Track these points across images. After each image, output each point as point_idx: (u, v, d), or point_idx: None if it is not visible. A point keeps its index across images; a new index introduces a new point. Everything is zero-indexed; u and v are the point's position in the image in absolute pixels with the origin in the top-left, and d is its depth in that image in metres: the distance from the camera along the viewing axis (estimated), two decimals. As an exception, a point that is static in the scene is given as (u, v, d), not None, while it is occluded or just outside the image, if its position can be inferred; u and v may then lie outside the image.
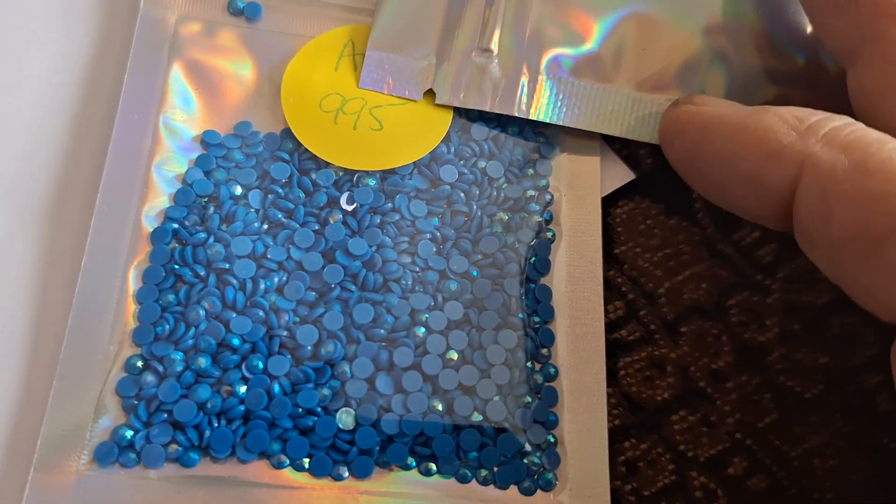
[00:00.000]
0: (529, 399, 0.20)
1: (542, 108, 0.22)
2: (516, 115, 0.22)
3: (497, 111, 0.22)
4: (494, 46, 0.23)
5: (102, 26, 0.23)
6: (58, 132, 0.22)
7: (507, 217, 0.22)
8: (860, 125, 0.17)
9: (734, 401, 0.22)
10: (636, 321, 0.22)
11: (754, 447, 0.21)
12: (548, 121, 0.22)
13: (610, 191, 0.24)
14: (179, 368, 0.19)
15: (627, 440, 0.21)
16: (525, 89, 0.22)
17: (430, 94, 0.23)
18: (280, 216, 0.21)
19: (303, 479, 0.19)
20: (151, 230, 0.20)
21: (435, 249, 0.21)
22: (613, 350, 0.22)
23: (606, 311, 0.22)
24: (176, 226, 0.20)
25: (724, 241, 0.23)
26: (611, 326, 0.22)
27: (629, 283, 0.23)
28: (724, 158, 0.19)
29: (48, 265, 0.20)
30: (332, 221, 0.21)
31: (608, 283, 0.23)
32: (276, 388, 0.19)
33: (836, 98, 0.20)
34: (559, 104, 0.22)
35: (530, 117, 0.22)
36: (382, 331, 0.20)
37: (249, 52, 0.23)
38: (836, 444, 0.21)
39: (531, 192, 0.23)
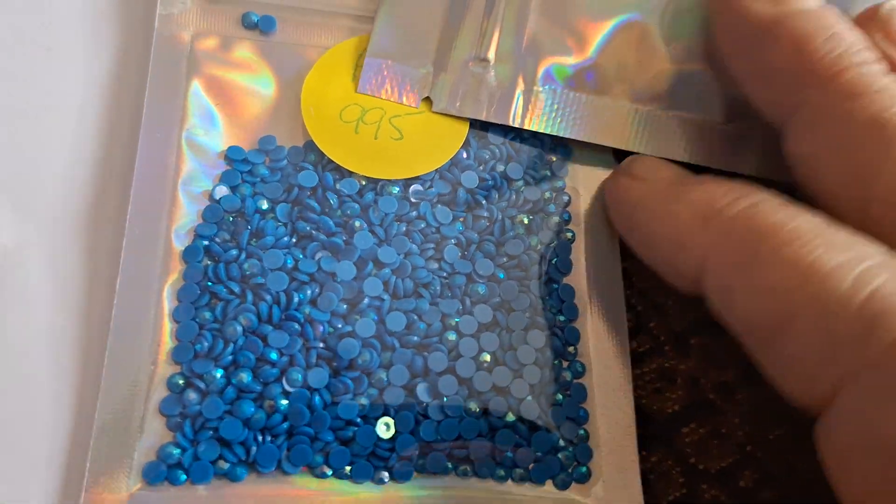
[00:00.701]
0: (560, 396, 0.21)
1: (536, 118, 0.23)
2: (511, 125, 0.23)
3: (492, 120, 0.23)
4: (492, 56, 0.23)
5: (121, 46, 0.23)
6: (83, 156, 0.22)
7: (528, 219, 0.22)
8: (768, 204, 0.17)
9: (744, 413, 0.22)
10: (645, 332, 0.23)
11: (765, 459, 0.22)
12: (543, 131, 0.23)
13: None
14: (221, 384, 0.19)
15: (639, 452, 0.21)
16: (520, 100, 0.23)
17: (428, 101, 0.23)
18: (308, 228, 0.21)
19: (346, 486, 0.19)
20: (182, 249, 0.21)
21: (460, 254, 0.22)
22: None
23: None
24: (207, 243, 0.21)
25: None
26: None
27: (637, 295, 0.23)
28: (645, 242, 0.20)
29: (83, 290, 0.21)
30: (357, 230, 0.21)
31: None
32: (317, 400, 0.19)
33: None
34: (554, 115, 0.23)
35: (525, 127, 0.23)
36: (416, 337, 0.20)
37: (266, 65, 0.23)
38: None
39: (549, 194, 0.23)
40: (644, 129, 0.23)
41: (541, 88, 0.23)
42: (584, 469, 0.20)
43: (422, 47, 0.23)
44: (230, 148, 0.22)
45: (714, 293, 0.18)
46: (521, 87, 0.23)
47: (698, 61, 0.23)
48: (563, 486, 0.20)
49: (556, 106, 0.23)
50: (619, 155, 0.24)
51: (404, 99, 0.23)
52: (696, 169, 0.22)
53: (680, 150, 0.23)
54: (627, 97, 0.23)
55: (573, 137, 0.23)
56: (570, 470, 0.20)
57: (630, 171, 0.21)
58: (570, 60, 0.23)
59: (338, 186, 0.22)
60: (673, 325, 0.23)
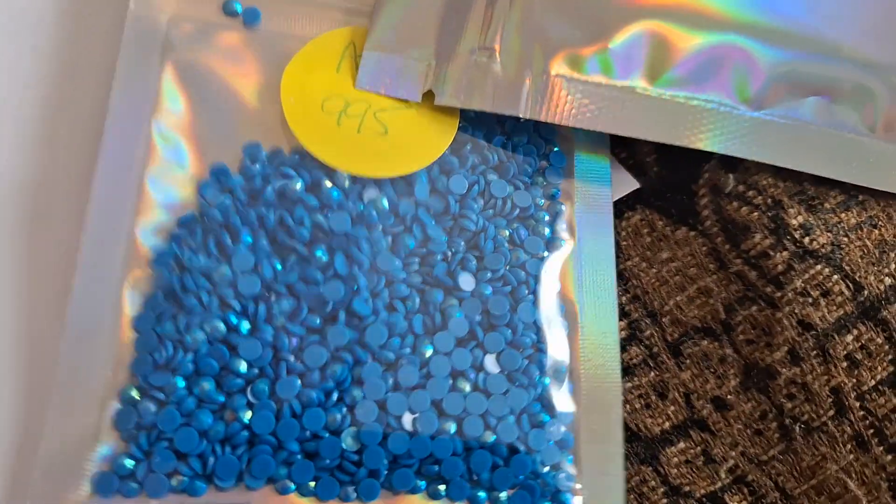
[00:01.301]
0: (546, 417, 0.20)
1: (547, 108, 0.21)
2: (520, 115, 0.21)
3: (500, 111, 0.21)
4: (497, 45, 0.21)
5: (88, 26, 0.22)
6: (39, 142, 0.21)
7: (514, 230, 0.21)
8: None
9: (737, 431, 0.21)
10: (639, 343, 0.22)
11: (757, 483, 0.21)
12: (554, 122, 0.21)
13: (615, 198, 0.23)
14: (181, 395, 0.18)
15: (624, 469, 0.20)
16: (530, 89, 0.21)
17: (430, 96, 0.21)
18: (287, 239, 0.20)
19: None
20: (152, 252, 0.19)
21: (445, 269, 0.20)
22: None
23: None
24: (178, 250, 0.19)
25: (734, 251, 0.23)
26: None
27: (633, 301, 0.22)
28: None
29: (35, 286, 0.20)
30: (339, 238, 0.20)
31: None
32: (286, 409, 0.18)
33: None
34: (566, 104, 0.21)
35: (536, 118, 0.21)
36: (390, 352, 0.19)
37: (247, 55, 0.22)
38: (843, 482, 0.21)
39: (541, 201, 0.22)
40: (658, 116, 0.22)
41: (550, 76, 0.21)
42: (565, 497, 0.19)
43: (422, 40, 0.22)
44: (215, 167, 0.20)
45: None
46: (529, 75, 0.21)
47: (712, 46, 0.22)
48: (544, 511, 0.19)
49: (567, 94, 0.21)
50: (619, 153, 0.23)
51: (404, 93, 0.21)
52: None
53: (696, 137, 0.22)
54: (640, 83, 0.22)
55: (585, 127, 0.21)
56: (550, 497, 0.19)
57: None
58: (581, 47, 0.22)
59: (323, 194, 0.20)
60: (667, 333, 0.22)
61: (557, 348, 0.20)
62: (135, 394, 0.18)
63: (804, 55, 0.22)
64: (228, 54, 0.22)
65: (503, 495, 0.19)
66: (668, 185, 0.23)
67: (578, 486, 0.19)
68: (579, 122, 0.21)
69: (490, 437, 0.19)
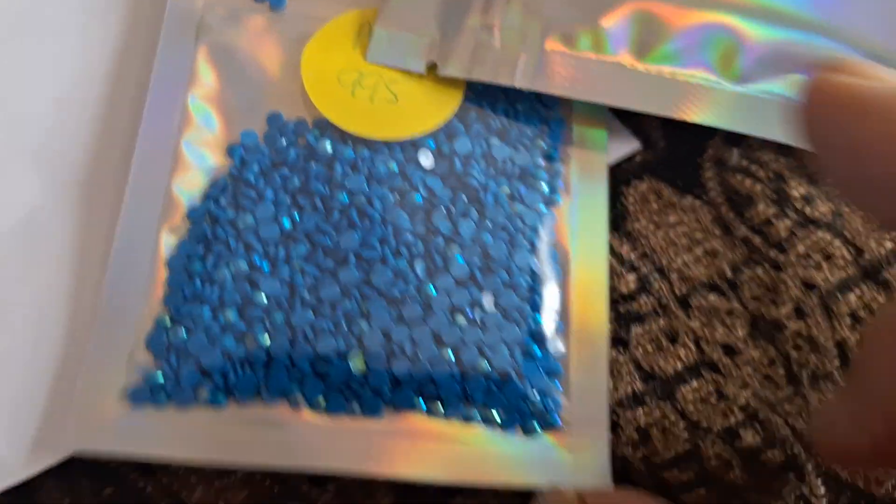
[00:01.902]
0: (537, 350, 0.21)
1: (542, 80, 0.23)
2: (517, 86, 0.23)
3: (498, 83, 0.23)
4: (497, 23, 0.24)
5: (134, 10, 0.25)
6: (91, 107, 0.24)
7: (514, 187, 0.23)
8: None
9: (747, 375, 0.22)
10: (648, 294, 0.23)
11: (768, 421, 0.22)
12: (548, 92, 0.23)
13: (616, 159, 0.25)
14: (207, 322, 0.20)
15: (641, 407, 0.22)
16: (526, 62, 0.23)
17: (436, 69, 0.24)
18: (306, 200, 0.22)
19: (320, 419, 0.20)
20: (186, 205, 0.22)
21: (448, 221, 0.22)
22: (626, 320, 0.23)
23: (619, 284, 0.23)
24: (212, 205, 0.22)
25: (738, 219, 0.24)
26: (623, 298, 0.23)
27: (642, 258, 0.24)
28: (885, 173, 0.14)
29: (86, 228, 0.22)
30: (355, 196, 0.22)
31: (621, 258, 0.23)
32: (300, 336, 0.20)
33: None
34: (558, 77, 0.23)
35: (531, 89, 0.23)
36: (395, 290, 0.21)
37: (272, 35, 0.24)
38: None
39: (540, 161, 0.24)
40: (650, 90, 0.23)
41: (545, 52, 0.24)
42: (553, 418, 0.21)
43: (428, 18, 0.24)
44: (243, 132, 0.23)
45: None
46: (525, 51, 0.24)
47: (711, 21, 0.24)
48: (531, 432, 0.21)
49: (560, 67, 0.23)
50: (611, 123, 0.25)
51: (411, 65, 0.24)
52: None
53: (680, 109, 0.23)
54: (634, 57, 0.24)
55: (576, 98, 0.24)
56: (539, 418, 0.21)
57: (844, 69, 0.15)
58: (576, 22, 0.24)
59: (337, 156, 0.23)
60: (676, 287, 0.23)
61: (550, 291, 0.22)
62: (167, 322, 0.21)
63: (798, 34, 0.24)
64: (256, 35, 0.24)
65: (496, 414, 0.21)
66: (675, 158, 0.25)
67: (566, 410, 0.21)
68: (571, 92, 0.23)
69: (485, 365, 0.21)
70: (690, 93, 0.23)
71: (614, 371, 0.22)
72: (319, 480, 0.21)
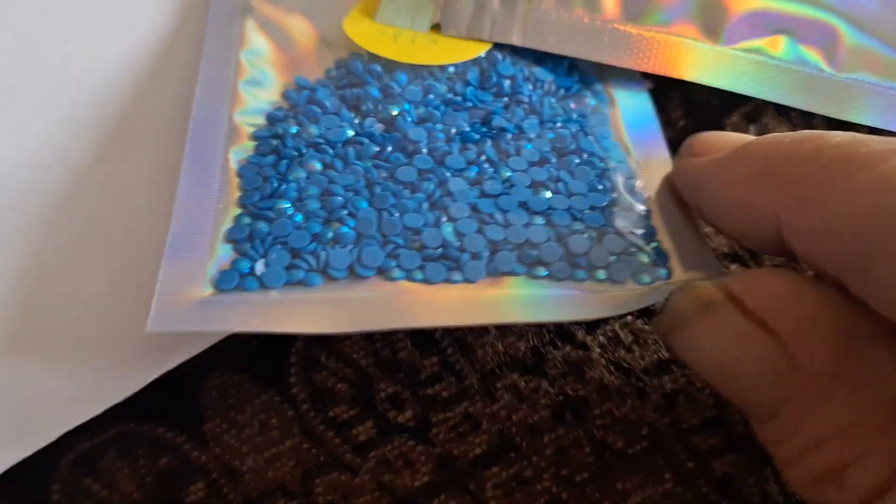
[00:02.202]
0: (623, 211, 0.21)
1: (537, 38, 0.24)
2: (515, 44, 0.24)
3: (496, 41, 0.25)
4: None
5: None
6: (159, 67, 0.25)
7: (564, 101, 0.24)
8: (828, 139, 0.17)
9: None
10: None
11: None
12: (543, 50, 0.24)
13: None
14: (289, 212, 0.20)
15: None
16: (523, 22, 0.25)
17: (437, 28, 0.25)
18: (370, 107, 0.22)
19: (420, 287, 0.19)
20: (249, 131, 0.22)
21: (511, 123, 0.23)
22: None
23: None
24: (276, 125, 0.22)
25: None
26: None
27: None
28: (718, 214, 0.19)
29: (162, 152, 0.23)
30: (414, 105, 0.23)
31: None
32: (385, 215, 0.20)
33: None
34: (552, 35, 0.24)
35: (527, 46, 0.24)
36: (472, 172, 0.21)
37: (316, 10, 0.26)
38: None
39: (583, 79, 0.24)
40: (635, 50, 0.25)
41: (540, 13, 0.25)
42: (663, 271, 0.20)
43: None
44: (298, 78, 0.24)
45: (795, 241, 0.17)
46: (522, 11, 0.25)
47: None
48: (642, 283, 0.19)
49: (554, 28, 0.25)
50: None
51: (416, 26, 0.25)
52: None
53: (667, 67, 0.24)
54: (622, 17, 0.25)
55: (569, 55, 0.24)
56: (648, 270, 0.20)
57: (691, 150, 0.21)
58: None
59: (392, 77, 0.23)
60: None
61: (621, 170, 0.22)
62: (246, 219, 0.20)
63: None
64: (299, 7, 0.26)
65: (601, 273, 0.20)
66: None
67: (670, 256, 0.20)
68: (564, 50, 0.25)
69: (578, 226, 0.20)
70: (676, 51, 0.25)
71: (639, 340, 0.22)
72: (362, 449, 0.20)
